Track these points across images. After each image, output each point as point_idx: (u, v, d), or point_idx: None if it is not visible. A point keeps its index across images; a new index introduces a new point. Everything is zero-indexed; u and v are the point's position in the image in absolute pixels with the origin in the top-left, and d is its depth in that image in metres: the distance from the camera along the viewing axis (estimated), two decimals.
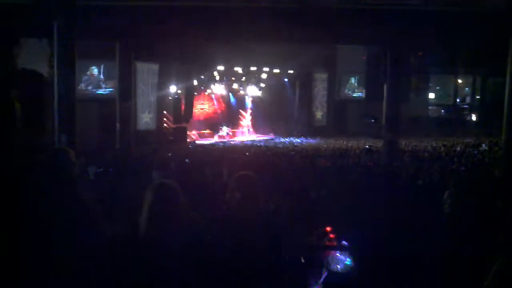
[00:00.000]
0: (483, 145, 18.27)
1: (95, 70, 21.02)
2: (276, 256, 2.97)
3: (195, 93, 26.89)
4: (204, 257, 2.67)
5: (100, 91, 21.09)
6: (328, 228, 3.67)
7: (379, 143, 17.98)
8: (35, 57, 14.30)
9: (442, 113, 32.81)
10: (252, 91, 30.22)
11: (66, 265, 1.59)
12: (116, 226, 1.93)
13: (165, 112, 24.39)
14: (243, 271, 2.77)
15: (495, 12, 13.75)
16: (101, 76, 21.16)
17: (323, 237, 3.59)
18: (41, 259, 1.55)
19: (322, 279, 3.28)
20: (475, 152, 15.86)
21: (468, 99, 32.95)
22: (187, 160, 10.86)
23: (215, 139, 26.98)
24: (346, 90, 30.76)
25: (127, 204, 3.03)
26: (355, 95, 30.78)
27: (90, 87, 20.78)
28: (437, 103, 32.73)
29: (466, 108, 32.95)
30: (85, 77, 20.55)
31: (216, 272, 2.71)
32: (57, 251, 1.58)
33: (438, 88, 32.57)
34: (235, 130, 29.47)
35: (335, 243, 3.73)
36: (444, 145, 18.64)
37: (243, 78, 27.99)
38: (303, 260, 3.30)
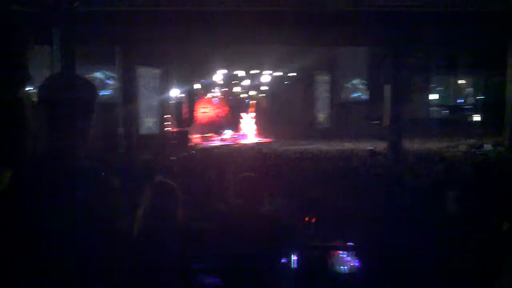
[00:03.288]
0: (486, 145, 18.21)
1: (96, 75, 21.04)
2: (279, 256, 2.95)
3: (197, 97, 26.91)
4: (202, 255, 2.66)
5: (102, 92, 21.13)
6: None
7: (382, 145, 17.93)
8: (35, 64, 14.31)
9: (444, 113, 32.73)
10: (254, 94, 30.22)
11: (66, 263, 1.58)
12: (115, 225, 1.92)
13: (167, 116, 24.41)
14: (245, 270, 2.75)
15: (495, 12, 13.72)
16: (104, 81, 21.19)
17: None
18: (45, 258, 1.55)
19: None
20: (479, 152, 15.81)
21: (470, 100, 32.86)
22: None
23: (218, 142, 26.96)
24: (348, 92, 30.70)
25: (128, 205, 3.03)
26: (357, 96, 30.72)
27: None
28: (439, 103, 32.64)
29: (468, 108, 32.85)
30: None
31: (216, 269, 2.70)
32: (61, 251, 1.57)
33: (440, 88, 32.48)
34: (237, 133, 29.46)
35: (338, 244, 3.72)
36: (447, 146, 18.60)
37: (245, 81, 27.98)
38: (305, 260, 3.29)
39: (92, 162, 1.77)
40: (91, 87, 1.84)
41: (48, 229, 1.56)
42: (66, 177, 1.62)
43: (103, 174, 1.82)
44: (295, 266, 3.28)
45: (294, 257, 3.23)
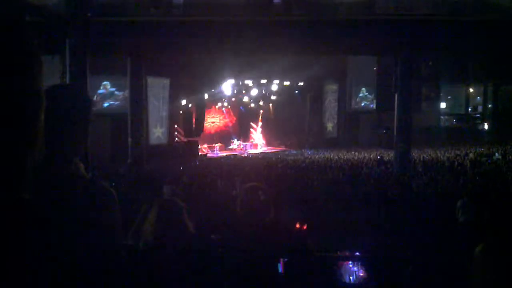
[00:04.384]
0: (496, 154, 18.11)
1: (107, 85, 21.18)
2: (285, 266, 2.95)
3: (206, 107, 27.01)
4: (209, 270, 2.66)
5: (111, 102, 21.26)
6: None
7: (391, 154, 17.89)
8: (47, 74, 14.44)
9: (454, 122, 32.64)
10: (263, 104, 30.25)
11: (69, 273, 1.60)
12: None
13: (176, 126, 24.50)
14: (252, 282, 2.76)
15: (505, 21, 13.69)
16: (113, 91, 21.34)
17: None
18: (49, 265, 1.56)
19: None
20: (488, 161, 15.73)
21: (480, 108, 32.76)
22: None
23: (226, 152, 27.00)
24: (357, 101, 30.63)
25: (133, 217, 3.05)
26: (366, 105, 30.62)
27: (102, 102, 20.95)
28: (448, 112, 32.57)
29: (478, 117, 32.75)
30: (98, 92, 20.73)
31: (223, 283, 2.70)
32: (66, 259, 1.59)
33: (449, 97, 32.42)
34: (246, 143, 29.50)
35: (347, 253, 3.71)
36: (456, 155, 18.50)
37: (254, 91, 28.02)
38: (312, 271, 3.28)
39: (90, 172, 1.80)
40: (86, 98, 1.87)
41: (42, 239, 1.57)
42: (60, 186, 1.64)
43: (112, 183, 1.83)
44: (300, 275, 3.27)
45: (296, 267, 3.22)
